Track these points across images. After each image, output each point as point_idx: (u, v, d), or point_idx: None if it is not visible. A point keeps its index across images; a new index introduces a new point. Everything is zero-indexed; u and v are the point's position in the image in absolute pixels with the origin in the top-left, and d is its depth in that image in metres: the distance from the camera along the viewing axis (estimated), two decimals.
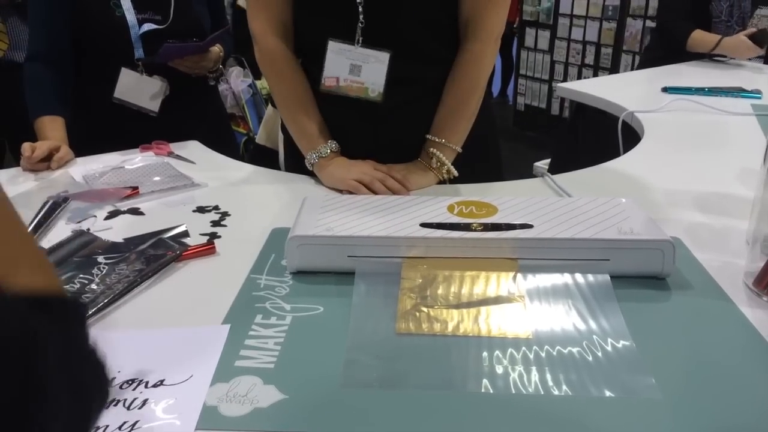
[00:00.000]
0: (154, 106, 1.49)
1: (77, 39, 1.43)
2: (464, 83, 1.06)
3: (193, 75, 1.52)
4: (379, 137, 1.08)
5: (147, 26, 1.44)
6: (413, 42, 1.03)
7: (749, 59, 2.25)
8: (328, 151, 1.06)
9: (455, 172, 1.07)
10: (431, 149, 1.06)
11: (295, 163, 1.14)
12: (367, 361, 0.63)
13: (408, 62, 1.03)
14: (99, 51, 1.45)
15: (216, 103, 1.73)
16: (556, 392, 0.58)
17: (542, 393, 0.58)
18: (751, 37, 2.15)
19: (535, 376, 0.61)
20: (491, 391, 0.59)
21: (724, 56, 2.26)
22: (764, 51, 2.23)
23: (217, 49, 1.56)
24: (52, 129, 1.33)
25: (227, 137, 1.75)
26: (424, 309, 0.70)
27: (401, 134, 1.08)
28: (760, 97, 1.72)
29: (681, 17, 2.26)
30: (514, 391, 0.59)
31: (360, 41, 1.01)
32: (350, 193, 1.01)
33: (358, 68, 1.02)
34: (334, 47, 1.02)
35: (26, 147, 1.18)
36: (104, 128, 1.47)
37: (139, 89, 1.47)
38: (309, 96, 1.08)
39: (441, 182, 1.08)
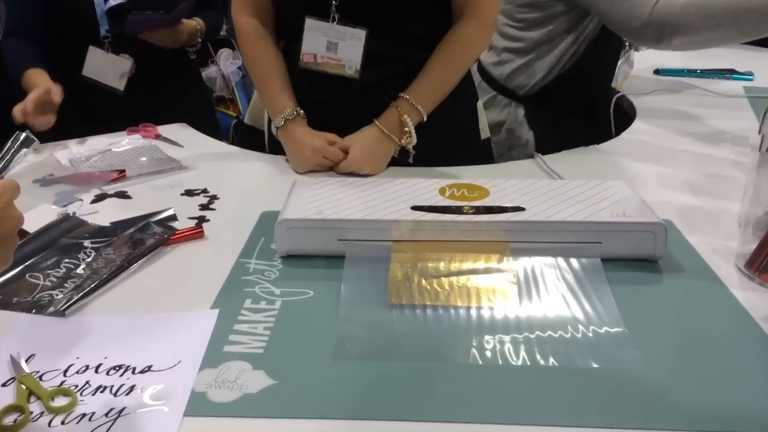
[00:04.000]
0: (120, 84, 1.47)
1: (48, 17, 1.42)
2: (455, 61, 1.06)
3: (166, 48, 1.49)
4: (355, 115, 1.06)
5: (112, 1, 1.42)
6: (389, 21, 1.03)
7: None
8: (283, 119, 1.05)
9: (414, 141, 1.03)
10: (403, 114, 1.02)
11: (279, 144, 1.14)
12: (359, 334, 0.63)
13: (384, 41, 1.03)
14: (68, 28, 1.43)
15: (196, 83, 1.68)
16: (542, 363, 0.59)
17: (529, 364, 0.59)
18: None
19: (522, 348, 0.61)
20: (480, 362, 0.59)
21: None
22: None
23: (194, 23, 1.52)
24: (38, 78, 1.33)
25: (207, 117, 1.69)
26: (415, 279, 0.70)
27: (378, 112, 1.06)
28: (751, 79, 1.71)
29: None
30: (501, 363, 0.59)
31: (336, 19, 1.02)
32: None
33: (334, 45, 1.03)
34: (310, 24, 1.03)
35: (17, 111, 1.17)
36: (78, 107, 1.44)
37: (105, 67, 1.46)
38: (280, 66, 1.09)
39: (397, 159, 1.05)
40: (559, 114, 1.39)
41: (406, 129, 1.03)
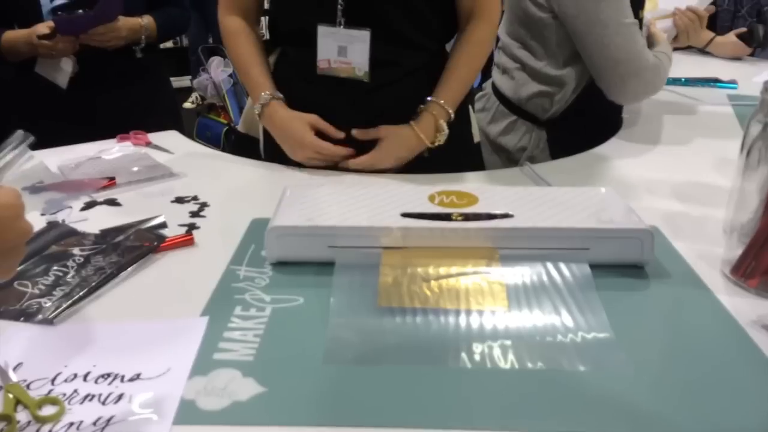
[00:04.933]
0: (62, 82, 1.49)
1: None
2: (475, 61, 1.12)
3: (108, 48, 1.48)
4: (365, 117, 1.09)
5: (57, 0, 1.43)
6: (391, 25, 1.05)
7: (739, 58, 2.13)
8: (269, 97, 1.09)
9: (443, 140, 1.08)
10: (439, 119, 1.07)
11: (274, 150, 1.14)
12: (349, 338, 0.64)
13: (388, 45, 1.06)
14: (17, 27, 1.45)
15: (148, 82, 1.65)
16: (530, 366, 0.60)
17: (517, 368, 0.60)
18: (741, 36, 2.07)
19: (511, 353, 0.62)
20: (468, 366, 0.60)
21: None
22: (753, 50, 2.12)
23: (137, 20, 1.52)
24: (17, 32, 1.43)
25: (165, 116, 1.63)
26: (405, 283, 0.71)
27: (385, 113, 1.09)
28: (735, 87, 1.73)
29: None
30: (489, 366, 0.60)
31: (342, 23, 1.04)
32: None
33: (344, 49, 1.05)
34: (323, 31, 1.06)
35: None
36: (24, 104, 1.51)
37: (51, 65, 1.48)
38: (259, 54, 1.14)
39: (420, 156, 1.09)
40: (583, 136, 1.33)
41: (441, 132, 1.07)
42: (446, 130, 1.07)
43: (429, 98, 1.08)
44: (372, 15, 1.04)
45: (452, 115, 1.08)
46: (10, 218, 0.48)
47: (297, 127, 1.07)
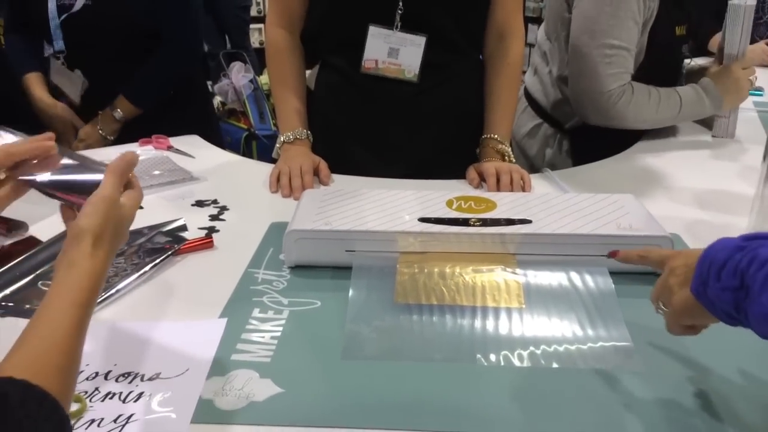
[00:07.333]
0: (76, 97, 1.49)
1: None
2: (516, 81, 1.15)
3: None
4: (414, 113, 1.12)
5: (64, 15, 1.39)
6: (443, 32, 1.09)
7: None
8: (293, 137, 1.12)
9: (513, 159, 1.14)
10: (503, 149, 1.11)
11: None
12: (367, 334, 0.65)
13: (438, 50, 1.09)
14: (31, 34, 1.49)
15: (197, 104, 1.62)
16: (546, 368, 0.60)
17: (530, 365, 0.61)
18: None
19: (526, 351, 0.62)
20: (485, 364, 0.61)
21: None
22: None
23: (97, 116, 1.46)
24: (35, 87, 1.51)
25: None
26: (422, 280, 0.71)
27: (430, 114, 1.12)
28: (761, 95, 1.71)
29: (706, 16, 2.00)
30: (503, 364, 0.61)
31: (398, 26, 1.07)
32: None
33: (395, 51, 1.08)
34: (374, 32, 1.08)
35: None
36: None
37: (64, 79, 1.48)
38: (300, 82, 1.16)
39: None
40: (605, 146, 1.28)
41: (507, 156, 1.11)
42: (511, 154, 1.11)
43: (483, 136, 1.12)
44: (427, 21, 1.07)
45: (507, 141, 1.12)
46: (131, 218, 0.57)
47: (305, 154, 1.10)
